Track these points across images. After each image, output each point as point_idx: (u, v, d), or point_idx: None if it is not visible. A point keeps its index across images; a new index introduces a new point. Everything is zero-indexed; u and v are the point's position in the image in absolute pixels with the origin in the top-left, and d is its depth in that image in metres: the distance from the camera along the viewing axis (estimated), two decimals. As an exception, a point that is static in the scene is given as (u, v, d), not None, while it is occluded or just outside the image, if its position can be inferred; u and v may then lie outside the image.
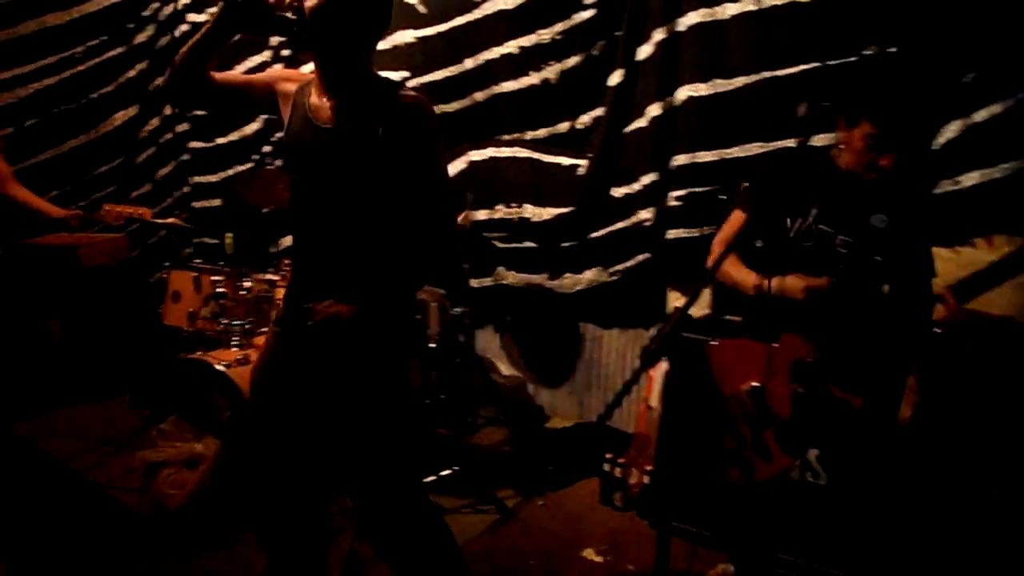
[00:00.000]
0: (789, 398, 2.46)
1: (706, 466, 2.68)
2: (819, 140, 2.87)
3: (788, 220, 2.64)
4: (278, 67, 5.02)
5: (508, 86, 4.10)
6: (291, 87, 2.22)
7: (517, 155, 4.16)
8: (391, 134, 2.06)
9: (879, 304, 2.63)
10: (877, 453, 2.44)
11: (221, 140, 5.45)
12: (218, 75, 2.19)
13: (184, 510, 3.12)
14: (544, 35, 3.92)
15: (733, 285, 2.72)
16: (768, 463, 2.48)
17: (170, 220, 3.98)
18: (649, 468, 3.31)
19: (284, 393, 2.25)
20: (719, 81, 3.45)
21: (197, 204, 5.64)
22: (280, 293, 3.71)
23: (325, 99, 2.13)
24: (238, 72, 2.29)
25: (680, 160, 3.60)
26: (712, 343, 2.53)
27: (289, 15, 2.02)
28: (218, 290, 3.70)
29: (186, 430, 3.28)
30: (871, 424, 2.40)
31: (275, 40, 5.06)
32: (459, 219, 3.77)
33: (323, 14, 2.01)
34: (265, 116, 5.05)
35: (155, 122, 5.68)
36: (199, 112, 5.45)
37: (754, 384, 2.50)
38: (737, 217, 2.78)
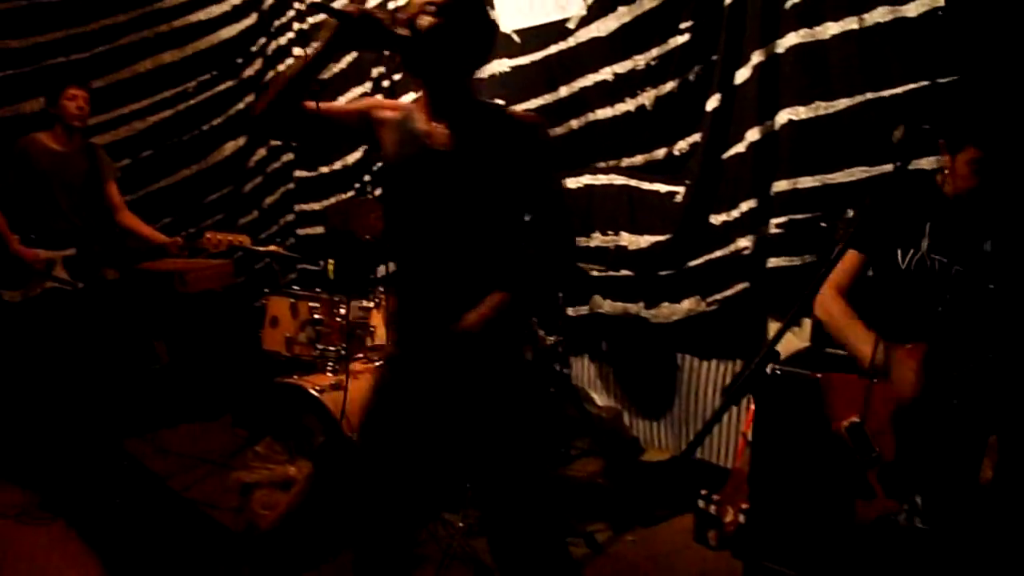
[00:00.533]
0: (891, 437, 2.32)
1: (802, 506, 2.55)
2: (923, 164, 2.72)
3: (899, 252, 2.50)
4: (379, 97, 5.16)
5: (603, 113, 4.08)
6: (390, 114, 2.22)
7: (613, 182, 4.11)
8: (512, 153, 2.08)
9: (994, 339, 2.45)
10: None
11: (324, 169, 5.63)
12: (312, 104, 2.17)
13: (275, 530, 3.18)
14: (639, 61, 3.89)
15: (837, 336, 2.53)
16: (869, 504, 2.34)
17: (271, 248, 4.10)
18: (746, 506, 3.18)
19: (402, 424, 2.21)
20: (820, 104, 3.32)
21: (301, 231, 5.82)
22: (376, 318, 3.77)
23: (436, 124, 2.13)
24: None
25: (780, 186, 3.48)
26: (820, 376, 2.40)
27: (402, 31, 2.05)
28: (315, 316, 3.78)
29: (280, 452, 3.34)
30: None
31: (376, 72, 5.20)
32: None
33: (440, 34, 2.03)
34: (364, 146, 5.27)
35: (262, 152, 5.93)
36: (285, 142, 5.63)
37: (854, 420, 2.36)
38: (852, 258, 2.60)
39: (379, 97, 2.33)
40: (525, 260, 2.16)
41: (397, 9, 2.18)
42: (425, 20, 2.03)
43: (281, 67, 5.78)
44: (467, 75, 2.15)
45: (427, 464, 2.24)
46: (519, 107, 4.32)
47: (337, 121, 2.26)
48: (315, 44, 2.09)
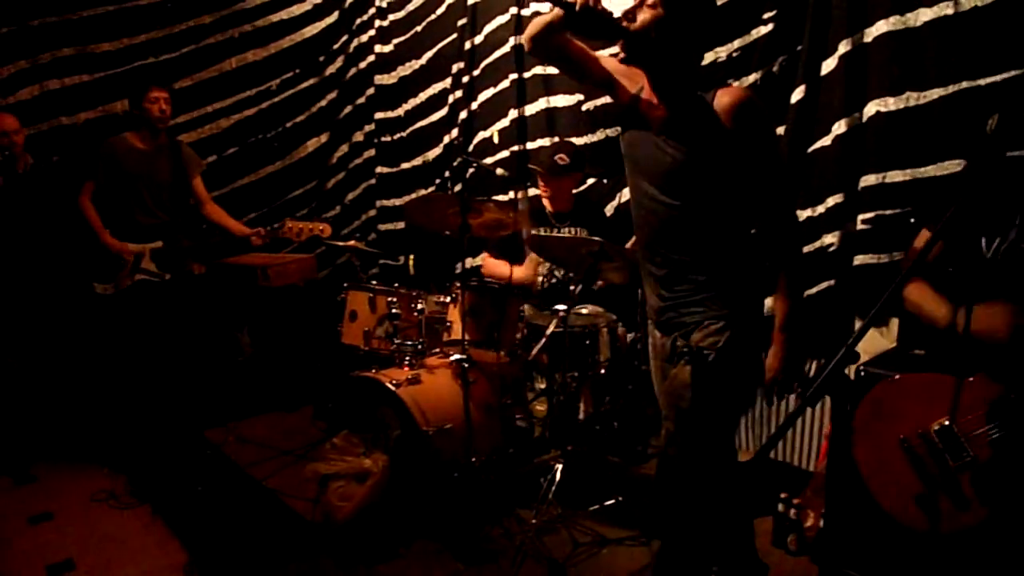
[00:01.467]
0: (986, 439, 2.21)
1: (882, 512, 2.45)
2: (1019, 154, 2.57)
3: (984, 241, 2.38)
4: (458, 94, 5.19)
5: (685, 106, 3.99)
6: (630, 86, 2.39)
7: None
8: (725, 128, 2.15)
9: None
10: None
11: (405, 165, 5.67)
12: (574, 44, 2.38)
13: (350, 522, 3.22)
14: (720, 53, 3.80)
15: (925, 318, 2.46)
16: (963, 512, 2.22)
17: (351, 243, 4.15)
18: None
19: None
20: (911, 94, 3.18)
21: (383, 226, 5.89)
22: (453, 314, 3.78)
23: (657, 106, 2.29)
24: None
25: (869, 180, 3.34)
26: (891, 378, 2.31)
27: (624, 23, 2.12)
28: (393, 311, 3.80)
29: (357, 445, 3.38)
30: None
31: (455, 67, 5.23)
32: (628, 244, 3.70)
33: (660, 26, 2.15)
34: (444, 142, 5.30)
35: (344, 148, 6.03)
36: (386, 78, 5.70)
37: (943, 423, 2.26)
38: (924, 237, 2.53)
39: (621, 64, 2.38)
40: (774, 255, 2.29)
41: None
42: (646, 13, 2.16)
43: (363, 64, 5.86)
44: (688, 63, 2.26)
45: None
46: (597, 102, 4.31)
47: (588, 66, 2.42)
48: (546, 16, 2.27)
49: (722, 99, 2.15)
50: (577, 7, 2.14)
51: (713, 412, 2.34)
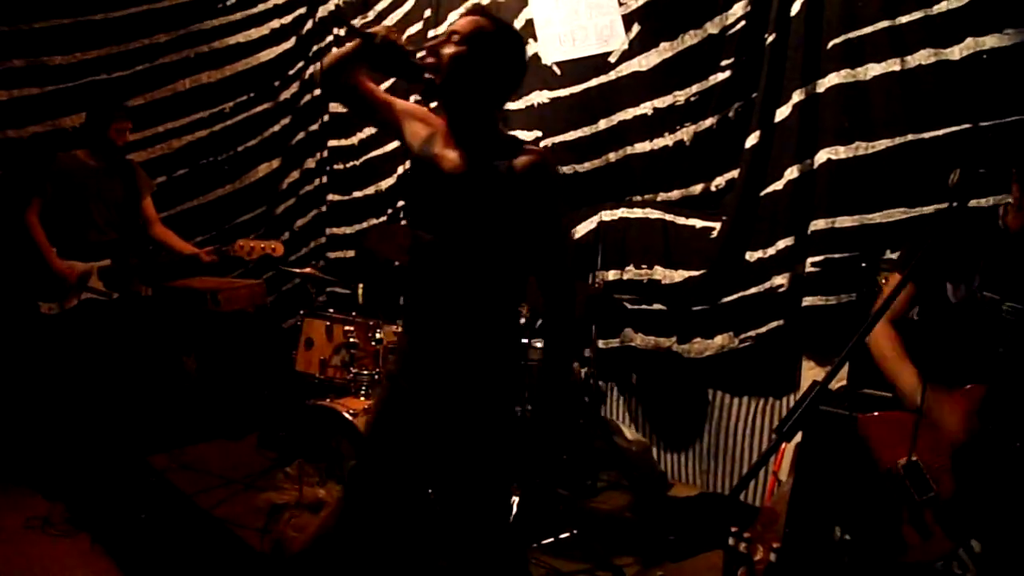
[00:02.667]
0: (950, 476, 2.30)
1: (842, 545, 2.53)
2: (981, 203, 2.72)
3: (950, 286, 2.48)
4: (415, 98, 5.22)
5: (641, 147, 4.10)
6: (420, 129, 2.28)
7: (649, 216, 4.13)
8: (515, 186, 2.07)
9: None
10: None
11: (357, 194, 5.69)
12: (366, 84, 2.31)
13: (304, 553, 3.17)
14: (679, 96, 3.92)
15: (887, 376, 2.52)
16: (926, 544, 2.30)
17: (307, 269, 4.14)
18: (776, 545, 3.14)
19: (399, 437, 2.30)
20: (861, 144, 3.34)
21: (332, 254, 5.88)
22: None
23: (452, 149, 2.17)
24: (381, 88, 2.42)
25: (818, 225, 3.48)
26: (862, 415, 2.39)
27: (423, 62, 2.10)
28: (350, 340, 3.80)
29: (311, 474, 3.36)
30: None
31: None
32: (589, 280, 3.77)
33: (461, 63, 2.08)
34: (398, 172, 5.32)
35: (295, 175, 6.02)
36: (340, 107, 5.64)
37: (911, 459, 2.35)
38: (895, 279, 2.60)
39: (419, 107, 2.36)
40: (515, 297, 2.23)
41: (433, 38, 2.21)
42: (449, 49, 2.09)
43: (318, 92, 5.87)
44: (491, 105, 2.17)
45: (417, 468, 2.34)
46: (557, 139, 4.39)
47: (380, 109, 2.34)
48: (348, 46, 2.21)
49: (524, 156, 2.09)
50: (377, 39, 2.11)
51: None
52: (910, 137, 3.21)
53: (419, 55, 2.13)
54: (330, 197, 5.93)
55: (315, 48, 5.90)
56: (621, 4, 4.06)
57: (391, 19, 5.42)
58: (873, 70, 3.30)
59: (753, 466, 3.69)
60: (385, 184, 5.56)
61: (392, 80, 4.45)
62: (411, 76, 2.14)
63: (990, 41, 2.95)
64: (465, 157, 2.15)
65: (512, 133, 2.28)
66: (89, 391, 4.21)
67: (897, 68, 3.23)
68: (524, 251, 2.16)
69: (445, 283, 2.20)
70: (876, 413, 2.44)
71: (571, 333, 2.30)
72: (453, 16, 4.99)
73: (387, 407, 2.34)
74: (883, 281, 2.88)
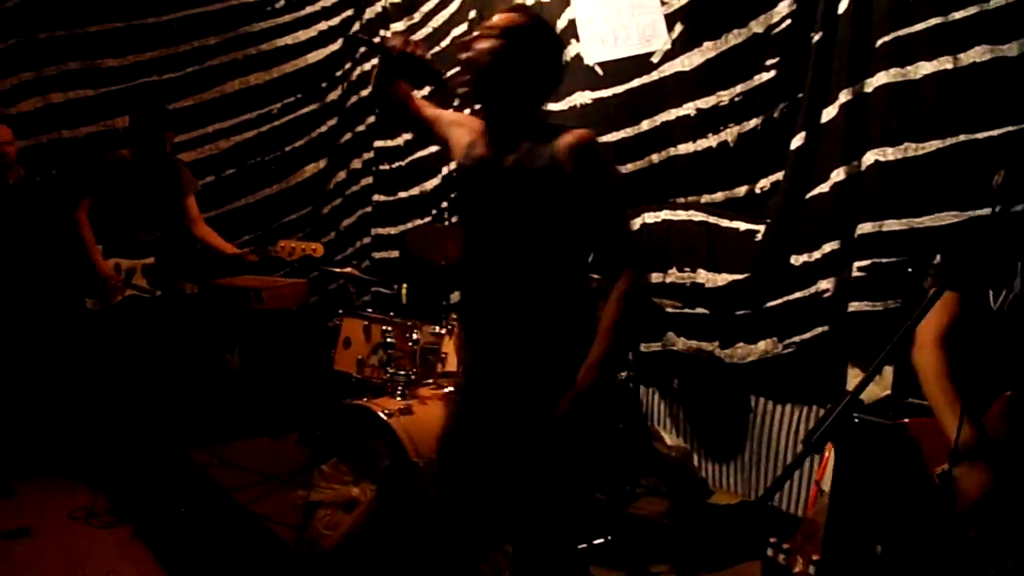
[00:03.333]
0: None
1: (881, 559, 2.45)
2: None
3: (991, 293, 2.39)
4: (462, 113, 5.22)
5: (685, 148, 4.04)
6: (463, 135, 2.28)
7: (692, 219, 4.06)
8: (561, 169, 2.05)
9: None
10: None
11: (402, 194, 5.71)
12: (415, 103, 2.37)
13: (336, 551, 3.18)
14: (723, 97, 3.85)
15: (926, 396, 2.42)
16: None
17: (347, 269, 4.16)
18: (816, 557, 3.06)
19: (471, 450, 2.31)
20: (910, 145, 3.22)
21: (377, 255, 5.90)
22: (447, 345, 3.77)
23: (492, 147, 2.17)
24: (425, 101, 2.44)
25: (865, 228, 3.37)
26: (913, 420, 2.30)
27: (442, 70, 2.12)
28: (387, 340, 3.79)
29: (345, 473, 3.35)
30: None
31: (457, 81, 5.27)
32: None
33: (496, 57, 2.08)
34: (443, 173, 5.33)
35: (342, 175, 6.07)
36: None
37: (944, 467, 2.25)
38: (949, 299, 2.48)
39: (460, 114, 2.37)
40: (599, 301, 2.15)
41: (465, 35, 2.23)
42: (484, 44, 2.08)
43: (364, 92, 5.91)
44: (525, 104, 2.15)
45: (489, 486, 2.30)
46: (600, 140, 4.32)
47: (428, 123, 2.38)
48: (375, 62, 2.31)
49: (565, 138, 2.07)
50: (393, 52, 2.16)
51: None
52: (962, 138, 3.08)
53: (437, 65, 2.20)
54: (376, 197, 5.96)
55: (362, 50, 5.94)
56: (664, 3, 4.00)
57: (437, 19, 5.43)
58: (924, 68, 3.18)
59: (780, 475, 3.59)
60: (430, 185, 5.57)
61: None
62: (435, 82, 2.17)
63: (1051, 35, 2.83)
64: (505, 154, 2.14)
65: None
66: (134, 386, 4.29)
67: (950, 66, 3.10)
68: (582, 234, 2.14)
69: (502, 285, 2.19)
70: (922, 419, 2.35)
71: (629, 309, 2.13)
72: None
73: (458, 413, 2.38)
74: (929, 287, 2.78)
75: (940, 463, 2.26)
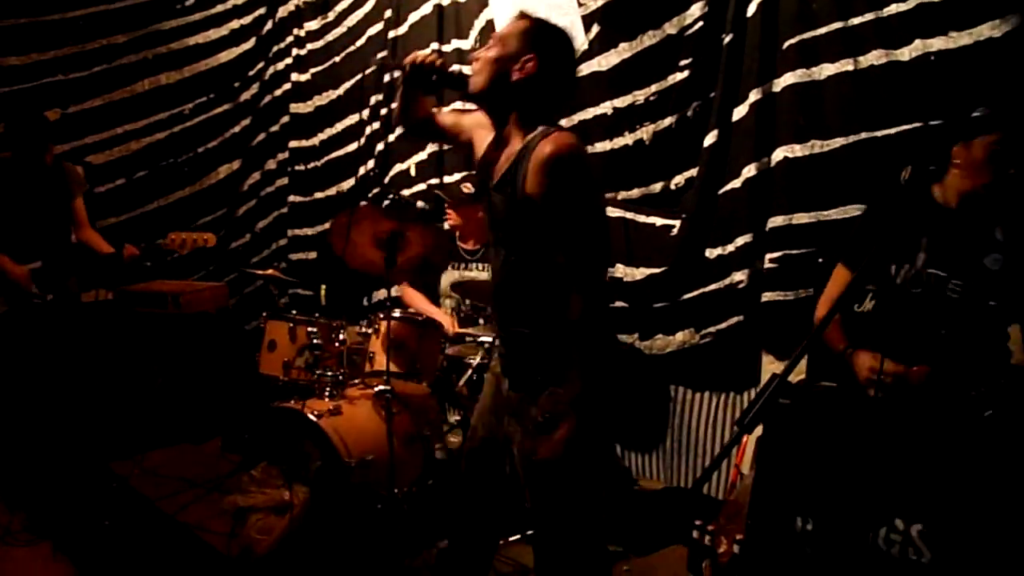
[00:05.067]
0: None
1: (807, 535, 2.58)
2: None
3: (893, 267, 2.54)
4: (376, 125, 5.23)
5: (601, 146, 4.13)
6: (485, 135, 2.33)
7: (610, 214, 4.15)
8: (531, 181, 2.06)
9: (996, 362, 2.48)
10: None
11: (319, 195, 5.68)
12: (438, 117, 2.44)
13: (270, 556, 3.17)
14: (639, 96, 3.96)
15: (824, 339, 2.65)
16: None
17: (269, 271, 4.11)
18: (739, 537, 3.20)
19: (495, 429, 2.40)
20: (816, 142, 3.40)
21: (294, 256, 5.85)
22: (374, 344, 3.78)
23: (497, 152, 2.22)
24: (449, 111, 2.49)
25: (776, 222, 3.53)
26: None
27: (462, 70, 2.14)
28: (313, 341, 3.78)
29: (276, 477, 3.34)
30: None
31: (374, 98, 5.27)
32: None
33: (498, 66, 2.12)
34: (359, 174, 5.33)
35: (256, 176, 6.00)
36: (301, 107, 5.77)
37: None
38: (840, 273, 2.70)
39: (480, 115, 2.39)
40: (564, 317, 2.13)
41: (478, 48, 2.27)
42: (490, 53, 2.15)
43: (278, 92, 5.85)
44: (534, 108, 2.15)
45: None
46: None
47: (452, 131, 2.44)
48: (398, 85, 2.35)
49: (544, 147, 2.03)
50: (407, 68, 2.21)
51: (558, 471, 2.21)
52: (863, 135, 3.28)
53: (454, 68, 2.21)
54: (291, 198, 5.91)
55: (275, 48, 5.88)
56: (581, 5, 4.10)
57: (352, 19, 5.42)
58: (827, 70, 3.36)
59: (715, 458, 3.74)
60: (347, 185, 5.56)
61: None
62: (453, 86, 2.21)
63: (937, 43, 3.03)
64: (501, 165, 2.19)
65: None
66: (45, 396, 4.15)
67: (850, 68, 3.29)
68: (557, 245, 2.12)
69: (510, 287, 2.26)
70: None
71: (585, 341, 2.10)
72: (414, 16, 5.00)
73: (487, 403, 2.46)
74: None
75: None
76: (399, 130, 2.88)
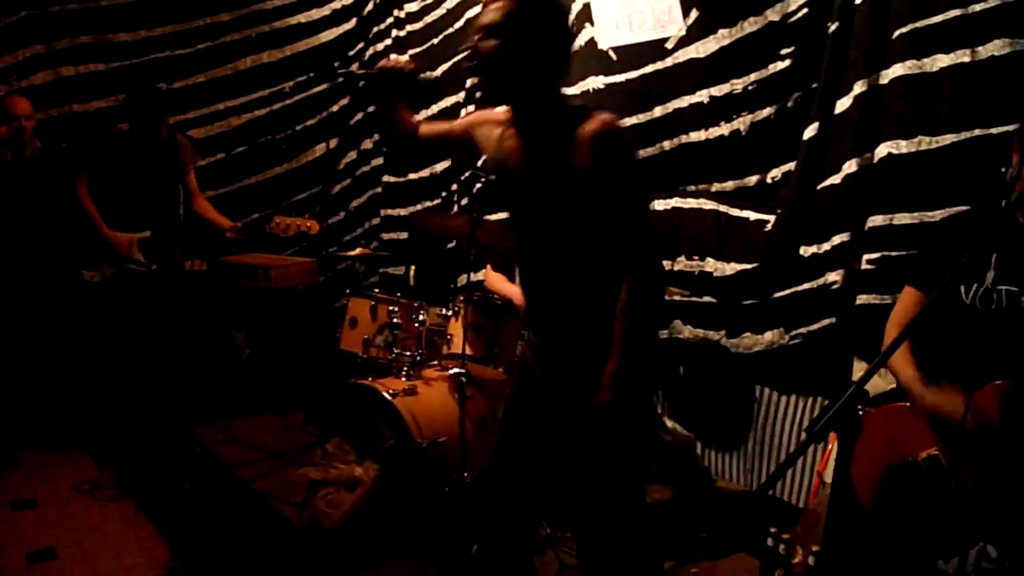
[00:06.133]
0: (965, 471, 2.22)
1: (881, 550, 2.46)
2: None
3: (963, 287, 2.39)
4: (471, 108, 5.19)
5: (696, 136, 4.01)
6: (490, 132, 2.25)
7: (702, 207, 4.04)
8: (579, 162, 1.97)
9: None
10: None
11: (412, 176, 5.69)
12: (424, 131, 2.34)
13: (337, 530, 3.20)
14: (737, 85, 3.82)
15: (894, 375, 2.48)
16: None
17: (357, 250, 4.15)
18: (816, 548, 3.06)
19: (526, 422, 2.29)
20: (924, 138, 3.20)
21: (386, 235, 5.90)
22: (453, 326, 3.77)
23: (517, 140, 2.13)
24: (434, 119, 2.40)
25: (876, 221, 3.35)
26: (870, 410, 2.32)
27: (432, 76, 2.08)
28: (393, 320, 3.79)
29: (348, 452, 3.38)
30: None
31: (470, 81, 5.25)
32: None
33: (499, 52, 2.03)
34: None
35: (352, 155, 6.06)
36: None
37: (932, 452, 2.27)
38: (909, 295, 2.55)
39: (481, 112, 2.33)
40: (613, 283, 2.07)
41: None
42: (485, 43, 2.04)
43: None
44: (542, 86, 2.08)
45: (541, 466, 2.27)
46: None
47: (444, 140, 2.37)
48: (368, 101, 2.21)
49: (589, 125, 1.96)
50: (375, 73, 2.15)
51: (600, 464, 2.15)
52: (977, 132, 3.06)
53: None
54: (386, 178, 5.95)
55: (375, 29, 5.92)
56: (680, -11, 3.98)
57: (451, 1, 5.39)
58: (941, 61, 3.15)
59: (782, 464, 3.60)
60: (440, 167, 5.56)
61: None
62: (429, 91, 2.16)
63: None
64: (528, 147, 2.10)
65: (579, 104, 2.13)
66: (139, 360, 4.31)
67: (967, 59, 3.07)
68: (605, 230, 2.05)
69: (544, 278, 2.18)
70: (894, 405, 2.41)
71: (638, 317, 2.04)
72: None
73: (518, 394, 2.35)
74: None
75: (925, 447, 2.28)
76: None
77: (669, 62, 4.04)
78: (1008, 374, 2.24)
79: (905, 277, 3.19)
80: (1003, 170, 2.09)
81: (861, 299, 3.41)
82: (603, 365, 2.05)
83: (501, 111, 2.22)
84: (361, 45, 5.98)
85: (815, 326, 3.64)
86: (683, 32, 3.99)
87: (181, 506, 3.62)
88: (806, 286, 3.65)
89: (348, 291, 4.10)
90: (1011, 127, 2.95)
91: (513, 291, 4.03)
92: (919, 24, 3.18)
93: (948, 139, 3.14)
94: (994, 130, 3.01)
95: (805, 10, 3.56)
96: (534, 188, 2.10)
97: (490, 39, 2.02)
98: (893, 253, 3.30)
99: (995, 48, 2.99)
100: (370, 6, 5.96)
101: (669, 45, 4.05)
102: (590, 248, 2.08)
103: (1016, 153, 2.32)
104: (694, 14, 3.94)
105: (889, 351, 1.70)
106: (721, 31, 3.84)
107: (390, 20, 5.82)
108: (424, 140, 2.38)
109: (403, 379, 3.60)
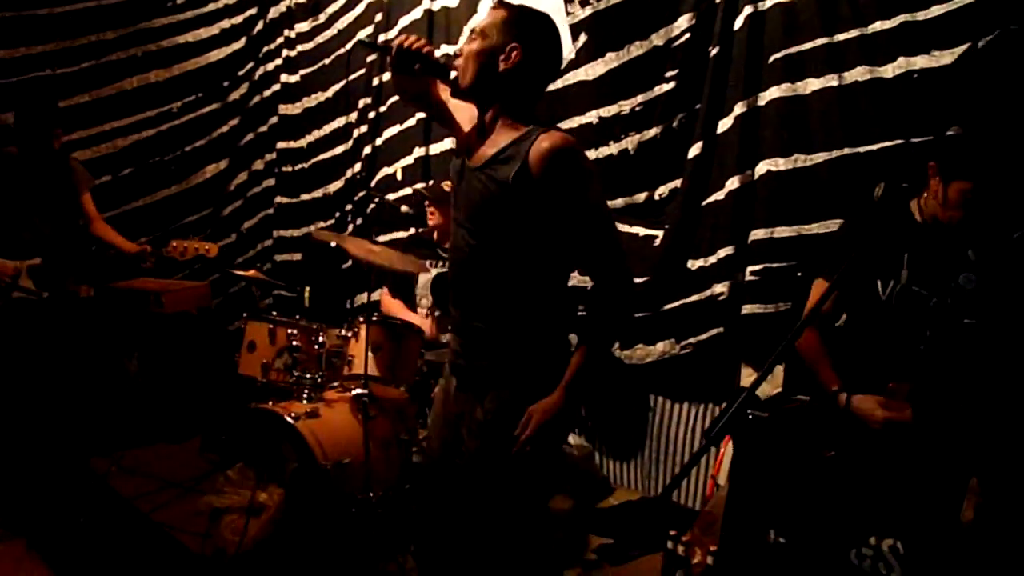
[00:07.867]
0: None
1: (775, 548, 2.59)
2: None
3: (879, 283, 2.56)
4: (363, 128, 5.22)
5: (587, 155, 4.13)
6: (466, 123, 2.28)
7: (594, 224, 4.15)
8: (530, 177, 1.99)
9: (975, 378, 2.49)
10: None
11: (305, 197, 5.66)
12: (438, 95, 2.34)
13: (243, 557, 3.15)
14: (624, 106, 3.97)
15: (813, 370, 2.64)
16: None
17: (251, 272, 4.10)
18: (713, 548, 3.20)
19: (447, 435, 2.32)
20: (799, 156, 3.42)
21: (279, 257, 5.83)
22: (353, 348, 3.76)
23: (479, 142, 2.16)
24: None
25: (758, 235, 3.55)
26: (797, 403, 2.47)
27: (449, 55, 2.09)
28: (293, 343, 3.76)
29: (251, 478, 3.32)
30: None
31: (362, 103, 5.27)
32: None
33: (481, 57, 2.08)
34: (346, 176, 5.33)
35: (243, 176, 5.98)
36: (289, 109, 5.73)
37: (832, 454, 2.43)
38: (819, 287, 2.71)
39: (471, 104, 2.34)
40: (589, 309, 2.15)
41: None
42: (472, 45, 2.10)
43: (267, 93, 5.84)
44: (512, 98, 2.11)
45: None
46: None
47: (445, 113, 2.37)
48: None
49: (541, 143, 1.98)
50: (393, 51, 2.14)
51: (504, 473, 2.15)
52: (846, 151, 3.30)
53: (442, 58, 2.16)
54: (278, 199, 5.89)
55: (265, 49, 5.87)
56: (569, 14, 4.11)
57: (342, 22, 5.42)
58: (812, 85, 3.38)
59: (682, 469, 3.75)
60: (333, 187, 5.55)
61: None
62: (437, 74, 2.18)
63: (920, 61, 3.06)
64: (486, 151, 2.12)
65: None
66: (26, 392, 4.13)
67: (835, 83, 3.31)
68: (552, 245, 2.08)
69: (470, 274, 2.19)
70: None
71: (611, 324, 2.12)
72: (404, 21, 5.00)
73: (439, 410, 2.40)
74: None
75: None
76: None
77: (559, 84, 4.15)
78: (916, 372, 2.42)
79: (787, 288, 3.42)
80: (875, 190, 2.25)
81: (746, 309, 3.60)
82: (519, 366, 2.12)
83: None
84: (251, 65, 5.92)
85: (704, 336, 3.81)
86: (572, 55, 4.12)
87: (76, 543, 3.49)
88: (694, 298, 3.82)
89: (245, 314, 4.03)
90: (874, 147, 3.20)
91: (411, 316, 4.07)
92: (792, 50, 3.41)
93: (821, 157, 3.37)
94: (861, 149, 3.25)
95: (688, 35, 3.74)
96: (477, 188, 2.12)
97: (478, 39, 2.09)
98: (774, 265, 3.51)
99: (858, 74, 3.24)
100: (260, 26, 5.92)
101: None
102: (517, 256, 2.10)
103: (935, 178, 2.50)
104: (583, 38, 4.08)
105: (786, 345, 1.81)
106: (609, 54, 3.99)
107: (280, 40, 5.79)
108: (435, 99, 2.37)
109: (305, 402, 3.56)
